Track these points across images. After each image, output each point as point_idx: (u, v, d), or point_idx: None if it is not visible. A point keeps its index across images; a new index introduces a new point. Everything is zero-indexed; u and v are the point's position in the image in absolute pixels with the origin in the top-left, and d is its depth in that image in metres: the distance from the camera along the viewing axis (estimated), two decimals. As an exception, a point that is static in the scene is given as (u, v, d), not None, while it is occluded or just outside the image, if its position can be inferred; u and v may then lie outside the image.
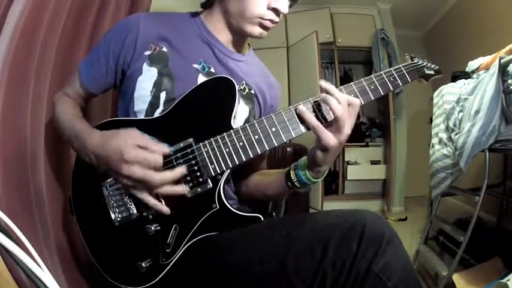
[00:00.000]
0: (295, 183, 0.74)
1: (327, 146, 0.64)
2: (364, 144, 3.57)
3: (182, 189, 0.65)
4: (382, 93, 0.70)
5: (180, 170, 0.65)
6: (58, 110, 0.78)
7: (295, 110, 0.66)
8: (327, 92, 0.63)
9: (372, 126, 3.67)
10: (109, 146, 0.63)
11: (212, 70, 0.79)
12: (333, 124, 0.64)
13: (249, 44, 0.90)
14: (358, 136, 3.54)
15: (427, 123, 2.27)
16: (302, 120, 0.66)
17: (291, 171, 0.75)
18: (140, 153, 0.61)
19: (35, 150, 0.84)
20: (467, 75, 1.79)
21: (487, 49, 1.76)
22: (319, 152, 0.67)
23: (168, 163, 0.68)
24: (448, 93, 1.76)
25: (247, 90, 0.83)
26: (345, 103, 0.63)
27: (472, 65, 1.78)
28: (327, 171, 0.73)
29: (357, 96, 0.67)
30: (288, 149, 2.41)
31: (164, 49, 0.77)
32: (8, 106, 0.74)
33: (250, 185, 0.88)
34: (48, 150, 0.89)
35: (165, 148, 0.65)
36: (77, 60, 0.98)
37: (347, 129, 0.64)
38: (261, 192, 0.86)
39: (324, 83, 0.64)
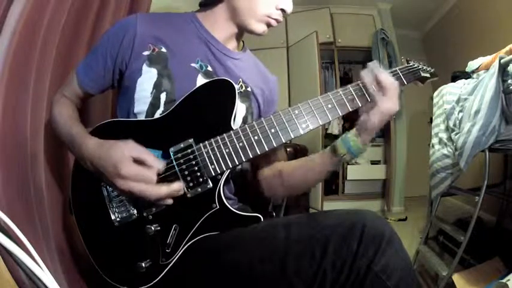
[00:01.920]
0: (344, 156, 0.73)
1: (389, 111, 0.69)
2: (364, 144, 3.57)
3: (171, 201, 0.66)
4: None
5: (177, 186, 0.65)
6: (55, 112, 0.78)
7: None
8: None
9: (372, 126, 3.67)
10: (105, 157, 0.64)
11: (209, 68, 0.80)
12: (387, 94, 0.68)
13: (243, 42, 0.91)
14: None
15: (427, 123, 2.27)
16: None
17: (338, 145, 0.74)
18: (135, 169, 0.62)
19: (35, 150, 0.84)
20: (467, 75, 1.79)
21: (487, 49, 1.76)
22: (380, 116, 0.69)
23: (169, 163, 0.68)
24: (448, 93, 1.76)
25: (244, 88, 0.84)
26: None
27: (472, 65, 1.78)
28: (369, 145, 0.75)
29: (354, 98, 0.70)
30: (288, 149, 2.41)
31: (163, 49, 0.77)
32: (8, 106, 0.74)
33: (270, 176, 0.85)
34: (48, 150, 0.89)
35: (161, 164, 0.65)
36: (76, 60, 0.98)
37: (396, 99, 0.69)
38: (291, 185, 0.83)
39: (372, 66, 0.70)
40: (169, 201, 0.66)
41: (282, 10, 0.78)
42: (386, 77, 0.69)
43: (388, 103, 0.69)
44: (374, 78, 0.69)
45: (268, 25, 0.80)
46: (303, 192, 0.94)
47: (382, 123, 0.71)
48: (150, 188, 0.63)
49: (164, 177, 0.67)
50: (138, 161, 0.63)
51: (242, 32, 0.84)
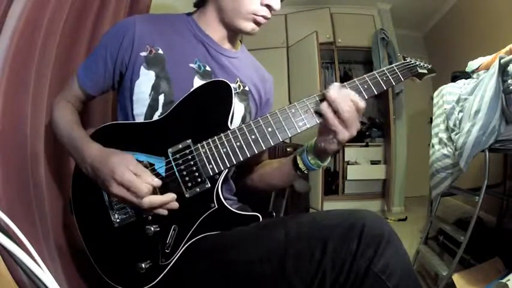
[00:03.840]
0: (304, 171, 0.76)
1: (341, 140, 0.66)
2: (364, 144, 3.57)
3: (166, 212, 0.67)
4: (376, 93, 0.72)
5: (170, 197, 0.66)
6: (56, 116, 0.78)
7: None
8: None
9: (372, 126, 3.67)
10: (105, 162, 0.64)
11: (208, 68, 0.80)
12: (344, 121, 0.65)
13: (240, 41, 0.92)
14: (358, 136, 3.50)
15: (427, 123, 2.27)
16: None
17: (298, 161, 0.76)
18: (130, 175, 0.62)
19: (35, 150, 0.84)
20: (467, 75, 1.79)
21: (487, 49, 1.76)
22: (332, 143, 0.68)
23: (167, 164, 0.68)
24: (448, 93, 1.76)
25: (241, 88, 0.85)
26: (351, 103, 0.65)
27: (472, 65, 1.78)
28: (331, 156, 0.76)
29: None
30: (288, 149, 2.42)
31: (160, 51, 0.77)
32: (8, 106, 0.74)
33: (255, 178, 0.89)
34: (48, 150, 0.89)
35: (154, 180, 0.65)
36: (77, 60, 0.98)
37: (357, 125, 0.67)
38: (265, 183, 0.88)
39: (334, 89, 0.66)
40: (164, 212, 0.66)
41: (268, 6, 0.76)
42: (344, 105, 0.63)
43: (346, 134, 0.66)
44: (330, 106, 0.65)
45: (256, 23, 0.78)
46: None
47: (341, 146, 0.71)
48: (143, 198, 0.63)
49: (162, 179, 0.67)
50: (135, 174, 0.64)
51: (234, 31, 0.83)
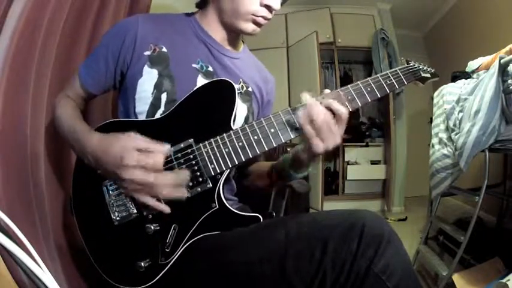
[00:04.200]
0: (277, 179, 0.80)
1: (315, 152, 0.65)
2: (364, 144, 3.57)
3: (182, 193, 0.66)
4: (379, 96, 0.72)
5: (183, 175, 0.65)
6: (58, 112, 0.78)
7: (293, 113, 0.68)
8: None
9: (372, 126, 3.67)
10: (110, 151, 0.64)
11: (210, 69, 0.80)
12: (320, 132, 0.63)
13: (243, 41, 0.92)
14: (358, 136, 3.53)
15: (427, 123, 2.27)
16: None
17: (273, 169, 0.79)
18: (140, 157, 0.62)
19: (35, 150, 0.84)
20: (467, 75, 1.79)
21: (487, 49, 1.76)
22: (308, 155, 0.70)
23: (169, 163, 0.68)
24: (448, 93, 1.76)
25: (244, 88, 0.85)
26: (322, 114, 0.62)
27: (472, 65, 1.78)
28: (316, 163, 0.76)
29: (354, 98, 0.69)
30: (288, 149, 2.42)
31: (164, 49, 0.77)
32: (8, 106, 0.74)
33: (249, 178, 0.92)
34: (48, 149, 0.89)
35: (165, 147, 0.65)
36: (77, 60, 0.98)
37: (335, 138, 0.64)
38: (254, 185, 0.91)
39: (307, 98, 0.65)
40: (167, 209, 0.66)
41: (268, 7, 0.76)
42: (318, 112, 0.61)
43: (320, 146, 0.63)
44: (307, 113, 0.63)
45: (257, 24, 0.78)
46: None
47: (317, 159, 0.69)
48: (156, 175, 0.63)
49: None
50: (142, 150, 0.63)
51: (235, 32, 0.83)
